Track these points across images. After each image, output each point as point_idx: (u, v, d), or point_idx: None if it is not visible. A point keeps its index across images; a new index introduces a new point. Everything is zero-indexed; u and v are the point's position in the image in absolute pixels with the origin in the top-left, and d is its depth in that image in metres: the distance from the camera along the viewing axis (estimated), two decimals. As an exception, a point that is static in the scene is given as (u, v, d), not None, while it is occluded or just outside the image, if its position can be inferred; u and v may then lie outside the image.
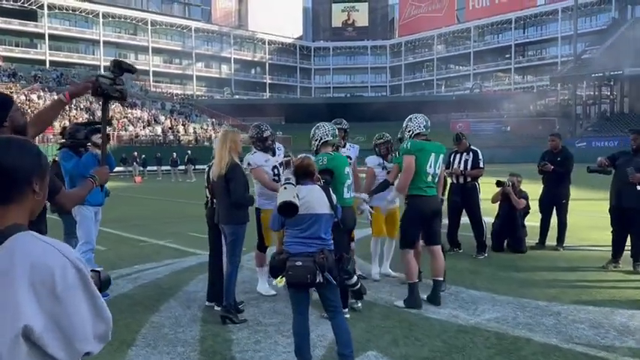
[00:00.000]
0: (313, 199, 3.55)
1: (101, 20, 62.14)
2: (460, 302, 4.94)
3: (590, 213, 10.13)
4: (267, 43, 75.75)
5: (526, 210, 7.45)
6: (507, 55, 70.19)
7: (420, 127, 4.86)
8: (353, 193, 6.61)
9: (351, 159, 6.32)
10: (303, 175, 3.68)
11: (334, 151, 4.63)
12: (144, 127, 39.18)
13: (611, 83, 55.70)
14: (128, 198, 16.76)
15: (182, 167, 30.39)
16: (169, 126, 41.55)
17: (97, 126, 5.52)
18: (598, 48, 53.42)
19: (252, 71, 76.73)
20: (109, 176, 2.72)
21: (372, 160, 6.49)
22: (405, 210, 4.88)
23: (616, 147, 42.39)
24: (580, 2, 55.71)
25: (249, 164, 5.40)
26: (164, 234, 9.44)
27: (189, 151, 31.63)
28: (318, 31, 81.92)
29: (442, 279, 4.98)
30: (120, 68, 2.84)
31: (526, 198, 7.33)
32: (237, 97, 68.57)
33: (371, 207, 6.41)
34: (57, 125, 26.42)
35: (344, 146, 6.21)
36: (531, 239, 7.59)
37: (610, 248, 7.35)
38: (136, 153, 30.56)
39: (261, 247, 5.51)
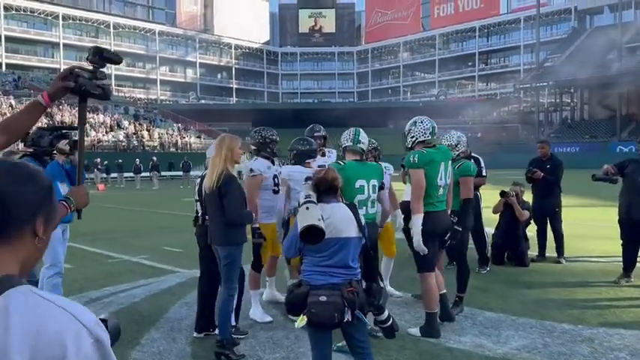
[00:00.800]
0: (339, 220, 2.99)
1: (61, 22, 59.99)
2: (479, 327, 4.46)
3: (581, 221, 9.91)
4: (233, 48, 74.72)
5: (527, 221, 7.08)
6: (470, 63, 71.25)
7: (425, 134, 4.29)
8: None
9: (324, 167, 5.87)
10: (326, 190, 3.10)
11: (359, 160, 4.02)
12: (106, 133, 37.76)
13: (572, 91, 57.18)
14: (92, 208, 15.66)
15: (146, 174, 29.31)
16: (133, 131, 40.19)
17: (63, 131, 4.85)
18: (559, 56, 54.75)
19: (219, 76, 75.52)
20: (88, 198, 2.04)
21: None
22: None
23: (578, 152, 43.53)
24: (542, 12, 57.01)
25: (251, 171, 4.82)
26: (135, 249, 8.70)
27: (154, 157, 30.56)
28: (285, 37, 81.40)
29: (444, 291, 4.51)
30: (101, 57, 2.20)
31: (528, 209, 6.95)
32: (202, 101, 67.25)
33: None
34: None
35: (323, 154, 5.75)
36: (531, 251, 7.23)
37: (612, 259, 7.15)
38: (98, 159, 29.27)
39: (257, 267, 4.92)
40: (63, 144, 4.56)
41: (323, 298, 2.82)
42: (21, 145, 5.25)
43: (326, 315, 2.82)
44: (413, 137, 4.32)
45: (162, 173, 31.11)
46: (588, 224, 9.99)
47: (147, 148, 38.68)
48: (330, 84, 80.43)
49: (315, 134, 5.68)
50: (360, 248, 3.08)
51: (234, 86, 74.71)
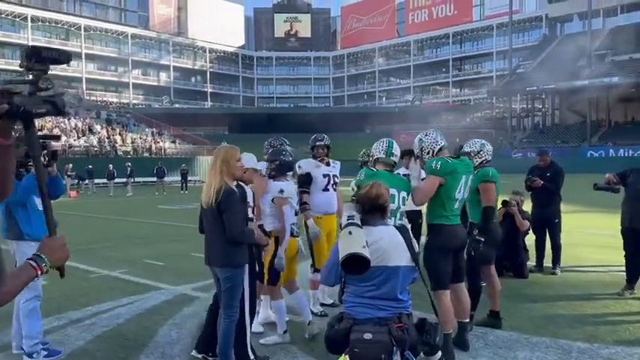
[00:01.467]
0: (387, 245, 2.63)
1: (30, 24, 58.30)
2: (493, 348, 4.23)
3: (571, 229, 9.82)
4: (207, 51, 73.88)
5: (526, 231, 6.92)
6: (444, 69, 72.03)
7: (437, 141, 4.11)
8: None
9: (337, 177, 5.63)
10: (371, 210, 2.72)
11: (387, 169, 3.82)
12: (78, 138, 36.73)
13: (543, 97, 58.22)
14: (65, 216, 15.11)
15: (121, 180, 28.54)
16: (106, 136, 39.22)
17: (40, 141, 4.41)
18: (531, 63, 55.68)
19: (193, 79, 74.54)
20: (66, 252, 1.62)
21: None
22: (429, 243, 4.04)
23: (550, 157, 44.35)
24: (513, 19, 57.95)
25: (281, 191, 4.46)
26: (114, 262, 8.25)
27: (129, 163, 29.78)
28: (260, 41, 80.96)
29: (468, 320, 4.28)
30: (40, 59, 1.65)
31: (528, 219, 6.78)
32: (176, 105, 66.31)
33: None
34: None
35: (327, 164, 5.51)
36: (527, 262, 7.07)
37: (607, 269, 7.06)
38: (70, 165, 28.34)
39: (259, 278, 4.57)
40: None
41: (368, 336, 2.48)
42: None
43: (371, 356, 2.49)
44: (429, 152, 4.10)
45: (135, 179, 30.30)
46: (579, 232, 9.93)
47: (120, 153, 37.76)
48: (306, 89, 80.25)
49: (318, 143, 5.43)
50: (412, 279, 2.72)
51: (209, 90, 73.87)
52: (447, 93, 72.34)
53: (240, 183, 3.85)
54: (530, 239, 7.17)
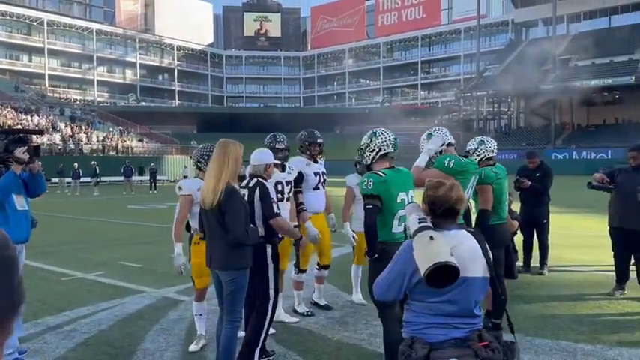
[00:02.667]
0: (466, 252, 2.27)
1: (-11, 17, 56.31)
2: (497, 351, 4.14)
3: (552, 229, 9.92)
4: (175, 49, 72.66)
5: (515, 232, 6.89)
6: (413, 72, 72.80)
7: (447, 135, 4.01)
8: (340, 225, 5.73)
9: (325, 174, 5.49)
10: (444, 214, 2.35)
11: (389, 169, 3.49)
12: (42, 135, 35.47)
13: (509, 100, 59.43)
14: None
15: (87, 179, 27.71)
16: (70, 134, 38.03)
17: (20, 135, 4.02)
18: (497, 66, 56.75)
19: (160, 77, 73.16)
20: None
21: (352, 179, 5.65)
22: None
23: (515, 159, 45.27)
24: (481, 23, 58.98)
25: (180, 189, 4.31)
26: (90, 264, 7.88)
27: (94, 162, 28.96)
28: (229, 39, 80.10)
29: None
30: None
31: (517, 219, 6.75)
32: (143, 103, 64.95)
33: (354, 231, 5.58)
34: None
35: (316, 162, 5.37)
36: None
37: (592, 269, 7.11)
38: (40, 163, 27.32)
39: None
40: (21, 152, 3.78)
41: None
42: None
43: None
44: (374, 151, 3.60)
45: (102, 179, 29.49)
46: (560, 232, 10.03)
47: (85, 152, 36.70)
48: (275, 88, 79.83)
49: (318, 140, 5.27)
50: (486, 292, 2.41)
51: (177, 88, 72.66)
52: (415, 95, 73.12)
53: (261, 181, 3.68)
54: (517, 239, 7.16)
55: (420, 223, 2.31)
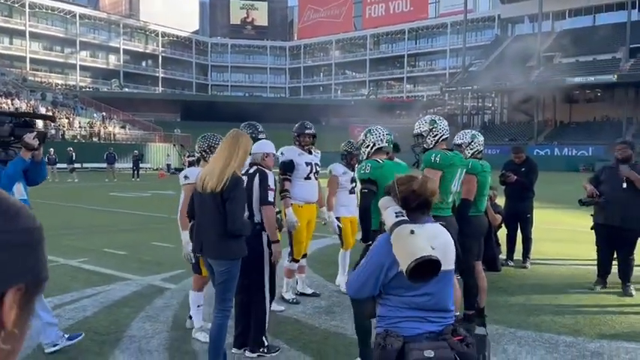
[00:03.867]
0: (442, 246, 2.28)
1: (-33, -3, 54.94)
2: (481, 341, 4.21)
3: (537, 223, 10.06)
4: (160, 35, 71.65)
5: (499, 225, 6.97)
6: (399, 65, 72.91)
7: (447, 131, 4.04)
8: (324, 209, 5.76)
9: (319, 166, 5.54)
10: (419, 206, 2.34)
11: (388, 159, 3.67)
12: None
13: (493, 95, 59.91)
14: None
15: (63, 165, 27.24)
16: (51, 119, 37.39)
17: (26, 119, 3.74)
18: (483, 62, 57.12)
19: (144, 64, 72.15)
20: None
21: (338, 168, 5.74)
22: None
23: (498, 154, 45.91)
24: (467, 18, 59.21)
25: (186, 177, 4.29)
26: (72, 250, 7.80)
27: (70, 148, 28.49)
28: (215, 27, 79.26)
29: (458, 314, 4.22)
30: None
31: (500, 212, 6.80)
32: (126, 90, 64.07)
33: (337, 218, 5.63)
34: None
35: (310, 152, 5.42)
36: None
37: (572, 263, 7.25)
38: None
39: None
40: (31, 137, 3.54)
41: (429, 354, 2.11)
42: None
43: None
44: (436, 135, 3.98)
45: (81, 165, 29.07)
46: (542, 227, 10.18)
47: (67, 137, 36.17)
48: (261, 78, 79.30)
49: (307, 131, 5.30)
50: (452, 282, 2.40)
51: (161, 75, 71.76)
52: (401, 88, 73.28)
53: (261, 168, 3.71)
54: (501, 233, 7.25)
55: (397, 216, 2.27)
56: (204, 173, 3.35)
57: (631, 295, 5.57)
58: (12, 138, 3.55)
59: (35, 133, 3.56)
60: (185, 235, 4.12)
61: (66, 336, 3.98)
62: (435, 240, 2.26)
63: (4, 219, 0.55)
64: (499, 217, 6.59)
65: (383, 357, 2.17)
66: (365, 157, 3.71)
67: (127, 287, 5.78)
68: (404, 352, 2.14)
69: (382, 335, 2.23)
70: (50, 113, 34.18)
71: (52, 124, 36.27)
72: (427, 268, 2.08)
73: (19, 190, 3.72)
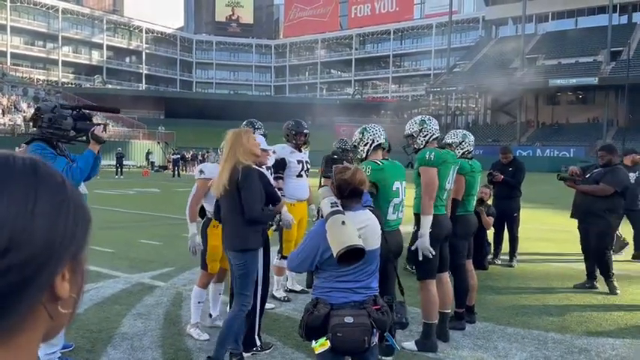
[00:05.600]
0: (370, 230, 2.65)
1: (-54, -11, 53.82)
2: (472, 338, 4.27)
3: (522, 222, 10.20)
4: (144, 32, 71.02)
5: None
6: (384, 65, 73.19)
7: (438, 130, 4.10)
8: (314, 207, 5.79)
9: (309, 163, 5.57)
10: (350, 195, 2.68)
11: (384, 159, 3.68)
12: (3, 115, 34.31)
13: (477, 96, 60.48)
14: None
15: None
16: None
17: (83, 111, 3.58)
18: (467, 63, 57.63)
19: (127, 60, 71.44)
20: None
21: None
22: (418, 233, 4.00)
23: (482, 155, 46.50)
24: (452, 19, 59.66)
25: (201, 172, 4.30)
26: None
27: (24, 142, 28.07)
28: (200, 24, 78.77)
29: (449, 311, 4.28)
30: None
31: (494, 215, 6.85)
32: (109, 86, 63.37)
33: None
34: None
35: (300, 150, 5.46)
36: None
37: (556, 261, 7.37)
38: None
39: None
40: (100, 130, 3.40)
41: (349, 320, 2.46)
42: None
43: (355, 339, 2.46)
44: (426, 135, 4.04)
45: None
46: (527, 226, 10.34)
47: (48, 133, 35.63)
48: (246, 76, 79.01)
49: (305, 131, 5.34)
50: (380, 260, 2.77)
51: (144, 72, 71.13)
52: (386, 88, 73.61)
53: (255, 166, 3.69)
54: (489, 232, 7.35)
55: (332, 207, 2.58)
56: (215, 178, 3.44)
57: (615, 293, 5.69)
58: (74, 132, 3.45)
59: (103, 126, 3.46)
60: (193, 227, 4.15)
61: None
62: (362, 225, 2.60)
63: (48, 200, 0.53)
64: (491, 220, 6.66)
65: (310, 320, 2.51)
66: (364, 156, 3.72)
67: (116, 285, 5.74)
68: (329, 317, 2.48)
69: (313, 302, 2.59)
70: (87, 108, 33.70)
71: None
72: (353, 254, 2.43)
73: (82, 186, 3.70)
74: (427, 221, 3.80)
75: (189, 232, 4.17)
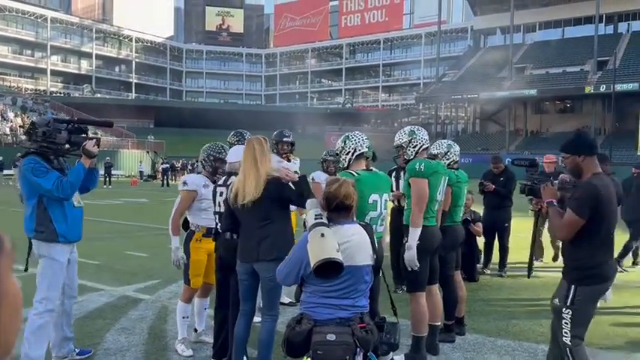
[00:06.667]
0: (356, 245, 2.56)
1: None
2: (461, 351, 4.21)
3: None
4: (134, 41, 70.80)
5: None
6: (374, 74, 73.52)
7: (427, 140, 4.05)
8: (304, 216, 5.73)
9: (298, 173, 5.49)
10: (337, 209, 2.63)
11: (365, 170, 3.57)
12: (-11, 125, 33.97)
13: (466, 105, 60.85)
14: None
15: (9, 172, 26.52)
16: (20, 124, 36.50)
17: (79, 125, 3.58)
18: (456, 72, 58.03)
19: (117, 69, 71.14)
20: None
21: (320, 175, 5.75)
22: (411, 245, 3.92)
23: (471, 164, 46.68)
24: (441, 29, 60.14)
25: (185, 183, 4.21)
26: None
27: (19, 154, 27.79)
28: (190, 33, 78.72)
29: (439, 323, 4.22)
30: None
31: (479, 219, 6.81)
32: (98, 95, 63.02)
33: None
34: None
35: (289, 160, 5.40)
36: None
37: (548, 268, 7.33)
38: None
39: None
40: (91, 144, 3.42)
41: (331, 337, 2.41)
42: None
43: (336, 357, 2.41)
44: (416, 145, 3.99)
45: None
46: (516, 235, 10.33)
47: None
48: (237, 85, 78.97)
49: (285, 139, 5.24)
50: (370, 279, 2.66)
51: (134, 81, 70.84)
52: (376, 97, 73.87)
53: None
54: (479, 241, 7.31)
55: (315, 219, 2.55)
56: (237, 187, 3.25)
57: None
58: (68, 145, 3.46)
59: (95, 140, 3.47)
60: (175, 241, 4.06)
61: (76, 350, 3.92)
62: (349, 241, 2.52)
63: None
64: (480, 226, 6.62)
65: (292, 336, 2.47)
66: (346, 165, 3.60)
67: (99, 298, 5.62)
68: (311, 334, 2.43)
69: (297, 318, 2.54)
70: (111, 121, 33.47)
71: (21, 129, 35.42)
72: (330, 267, 2.37)
73: (77, 199, 3.61)
74: (415, 233, 3.74)
75: (172, 245, 4.09)
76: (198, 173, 4.39)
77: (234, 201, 3.25)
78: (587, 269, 2.94)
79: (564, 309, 2.97)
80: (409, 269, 3.80)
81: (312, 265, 2.39)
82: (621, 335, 4.71)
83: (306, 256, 2.48)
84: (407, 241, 3.80)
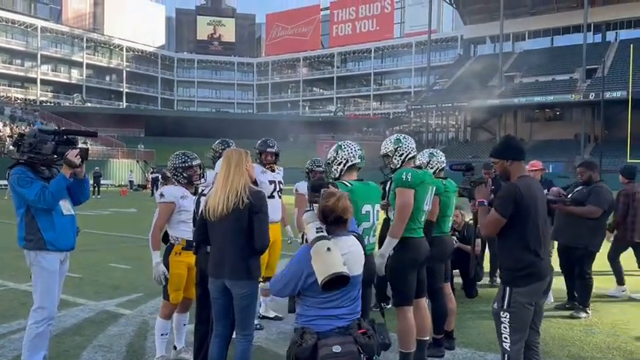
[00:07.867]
0: (355, 256, 2.66)
1: None
2: (450, 367, 4.09)
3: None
4: (125, 50, 70.66)
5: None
6: (365, 82, 73.80)
7: (414, 149, 3.94)
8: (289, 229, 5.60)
9: (282, 184, 5.39)
10: (335, 222, 2.66)
11: (357, 180, 3.47)
12: (-24, 134, 33.61)
13: (457, 113, 61.09)
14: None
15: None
16: (8, 134, 36.17)
17: (68, 136, 3.57)
18: (446, 80, 58.33)
19: (107, 78, 70.90)
20: None
21: (302, 186, 5.61)
22: (395, 257, 3.73)
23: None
24: (431, 38, 60.50)
25: (162, 195, 4.09)
26: (24, 273, 7.27)
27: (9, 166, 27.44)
28: (181, 42, 78.68)
29: (427, 338, 4.09)
30: None
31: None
32: (89, 104, 62.68)
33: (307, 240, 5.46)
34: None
35: (273, 170, 5.28)
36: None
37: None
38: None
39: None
40: (73, 155, 3.42)
41: (337, 349, 2.44)
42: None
43: None
44: (402, 154, 3.88)
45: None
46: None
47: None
48: (228, 94, 78.93)
49: (268, 150, 5.13)
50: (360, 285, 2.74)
51: (125, 90, 70.60)
52: (367, 105, 74.12)
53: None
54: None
55: (317, 232, 2.57)
56: (211, 199, 3.16)
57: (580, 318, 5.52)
58: (55, 156, 3.45)
59: (78, 150, 3.44)
60: (156, 256, 3.94)
61: None
62: (348, 253, 2.59)
63: None
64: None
65: (299, 352, 2.45)
66: (337, 176, 3.50)
67: (79, 314, 5.45)
68: (317, 348, 2.45)
69: (299, 332, 2.53)
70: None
71: (10, 139, 35.09)
72: (338, 280, 2.44)
73: (66, 207, 3.57)
74: (391, 243, 3.62)
75: (153, 260, 3.94)
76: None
77: (207, 213, 3.17)
78: (519, 270, 3.03)
79: (502, 312, 3.03)
80: (394, 283, 3.68)
81: (321, 280, 2.43)
82: (615, 348, 4.60)
83: (307, 269, 2.52)
84: (380, 249, 3.68)
